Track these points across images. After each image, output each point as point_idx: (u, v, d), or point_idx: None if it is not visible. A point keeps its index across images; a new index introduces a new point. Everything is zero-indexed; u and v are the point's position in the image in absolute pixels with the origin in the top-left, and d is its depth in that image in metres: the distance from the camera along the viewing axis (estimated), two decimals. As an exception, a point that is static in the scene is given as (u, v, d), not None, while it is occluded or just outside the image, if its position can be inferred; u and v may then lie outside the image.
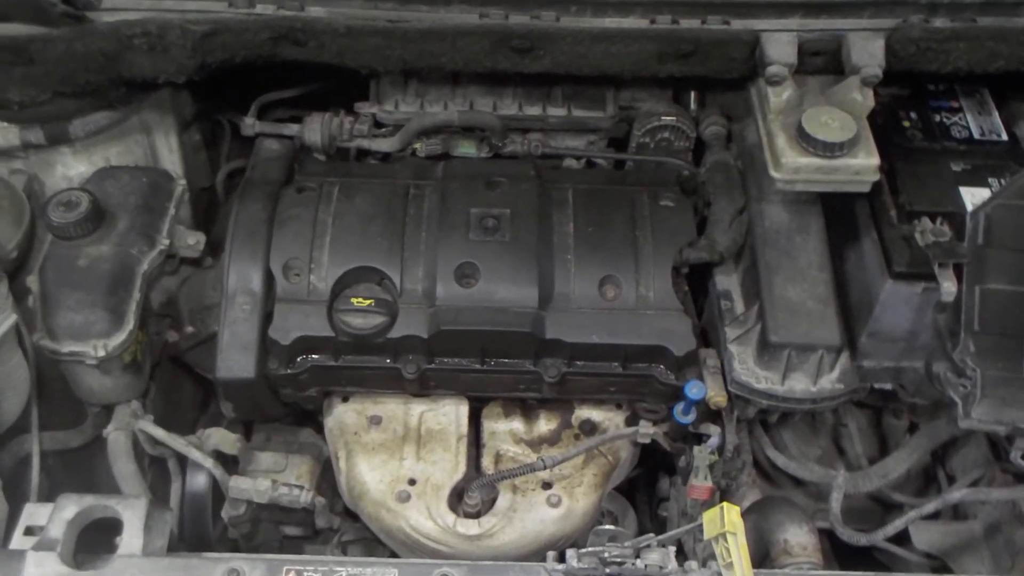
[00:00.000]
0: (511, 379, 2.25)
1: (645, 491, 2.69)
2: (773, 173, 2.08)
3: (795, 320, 2.14)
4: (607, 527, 1.72)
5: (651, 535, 1.70)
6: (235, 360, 2.15)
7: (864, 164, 2.06)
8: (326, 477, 2.40)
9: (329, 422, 2.35)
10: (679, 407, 2.17)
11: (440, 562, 1.76)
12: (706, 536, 1.73)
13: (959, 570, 2.40)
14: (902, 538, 2.38)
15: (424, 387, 2.26)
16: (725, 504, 1.69)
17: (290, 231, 2.24)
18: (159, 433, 2.11)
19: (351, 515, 2.39)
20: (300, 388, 2.26)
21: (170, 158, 2.59)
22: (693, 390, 2.09)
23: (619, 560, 1.72)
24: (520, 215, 2.24)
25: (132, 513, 1.76)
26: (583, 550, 1.74)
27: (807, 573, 1.88)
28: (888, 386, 2.32)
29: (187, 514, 2.21)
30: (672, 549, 1.75)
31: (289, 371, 2.20)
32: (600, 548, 1.72)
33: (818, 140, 2.04)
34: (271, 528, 2.29)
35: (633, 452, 2.38)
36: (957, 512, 2.53)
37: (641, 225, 2.26)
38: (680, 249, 2.25)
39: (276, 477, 2.24)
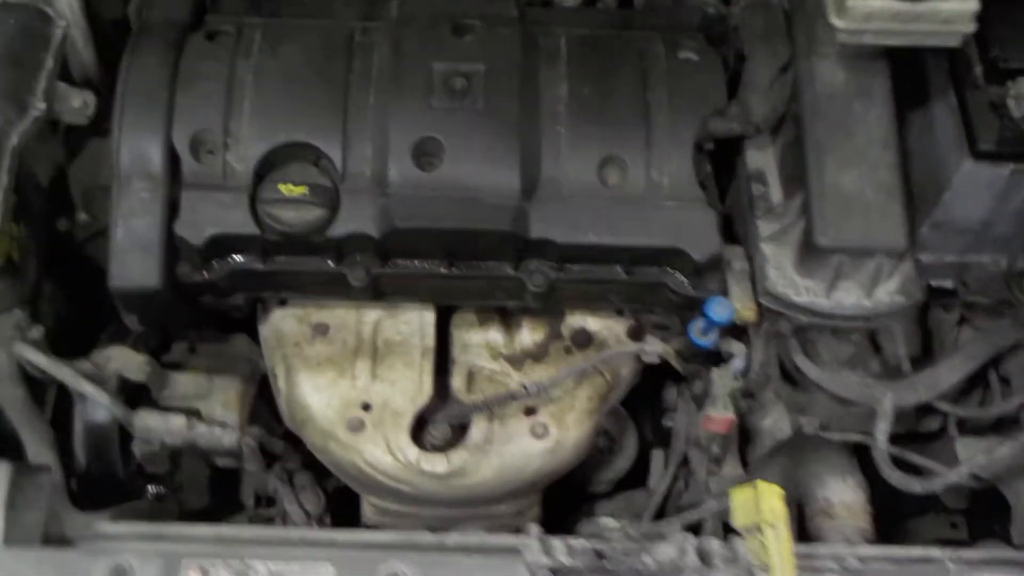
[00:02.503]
0: (485, 286, 1.79)
1: (647, 399, 2.26)
2: (834, 20, 1.56)
3: (850, 216, 1.66)
4: (607, 521, 1.30)
5: (665, 524, 1.28)
6: (133, 264, 1.68)
7: (957, 9, 1.54)
8: (264, 395, 1.97)
9: (264, 330, 1.91)
10: (696, 325, 1.71)
11: (386, 554, 1.34)
12: (736, 523, 1.32)
13: (1013, 498, 2.02)
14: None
15: (376, 295, 1.80)
16: (762, 484, 1.26)
17: (198, 93, 1.72)
18: (39, 359, 1.66)
19: (295, 439, 1.97)
20: (221, 295, 1.80)
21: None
22: (717, 310, 1.64)
23: (623, 553, 1.31)
24: (497, 73, 1.72)
25: (-13, 485, 1.33)
26: (575, 540, 1.33)
27: (860, 551, 1.47)
28: (948, 284, 1.88)
29: (89, 449, 1.79)
30: (689, 539, 1.33)
31: (205, 277, 1.73)
32: (598, 541, 1.30)
33: (900, -22, 1.50)
34: (196, 463, 1.88)
35: (635, 368, 1.95)
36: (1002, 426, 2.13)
37: (654, 86, 1.75)
38: (705, 119, 1.74)
39: (198, 404, 1.82)
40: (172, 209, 1.70)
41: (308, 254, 1.74)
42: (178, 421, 1.69)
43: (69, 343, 1.85)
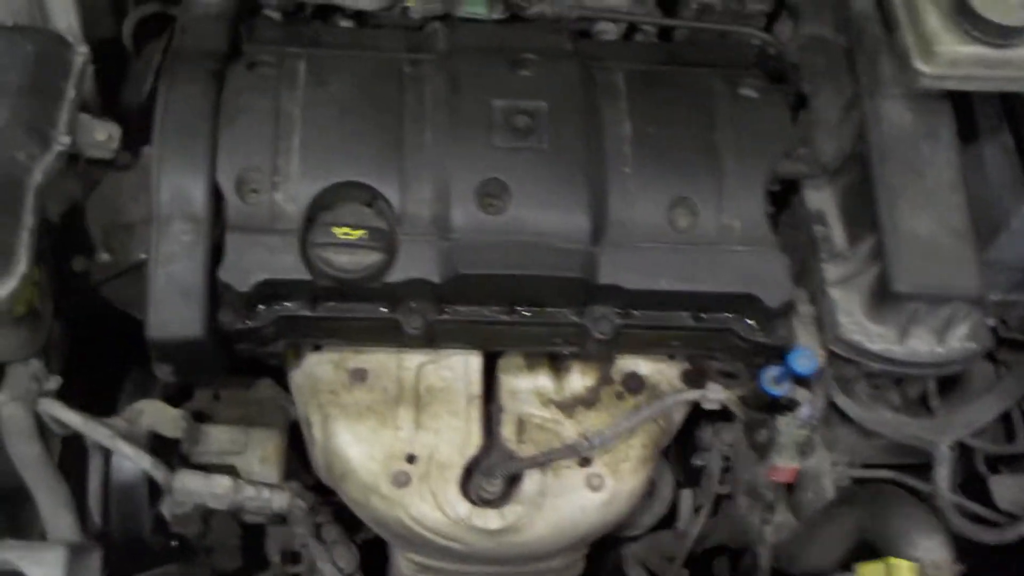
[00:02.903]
0: (545, 332, 1.70)
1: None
2: (920, 66, 1.51)
3: (927, 262, 1.62)
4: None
5: None
6: (174, 313, 1.55)
7: (1043, 55, 1.51)
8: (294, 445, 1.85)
9: (297, 376, 1.79)
10: (770, 373, 1.65)
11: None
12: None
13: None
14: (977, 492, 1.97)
15: (429, 342, 1.69)
16: (896, 563, 1.20)
17: (244, 128, 1.61)
18: (71, 418, 1.52)
19: (324, 488, 1.86)
20: (262, 343, 1.68)
21: (61, 5, 1.87)
22: (802, 362, 1.58)
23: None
24: (560, 110, 1.64)
25: (43, 572, 1.19)
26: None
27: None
28: (991, 322, 1.85)
29: (113, 506, 1.65)
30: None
31: (248, 324, 1.61)
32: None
33: (990, 22, 1.47)
34: (228, 522, 1.75)
35: (685, 412, 1.88)
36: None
37: (721, 125, 1.68)
38: (774, 160, 1.68)
39: (233, 460, 1.69)
40: (215, 253, 1.57)
41: (361, 300, 1.63)
42: (223, 483, 1.56)
43: (76, 391, 1.71)
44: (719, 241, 1.64)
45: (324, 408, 1.75)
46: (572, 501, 1.72)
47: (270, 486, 1.59)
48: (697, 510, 2.16)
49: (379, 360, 1.77)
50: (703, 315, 1.68)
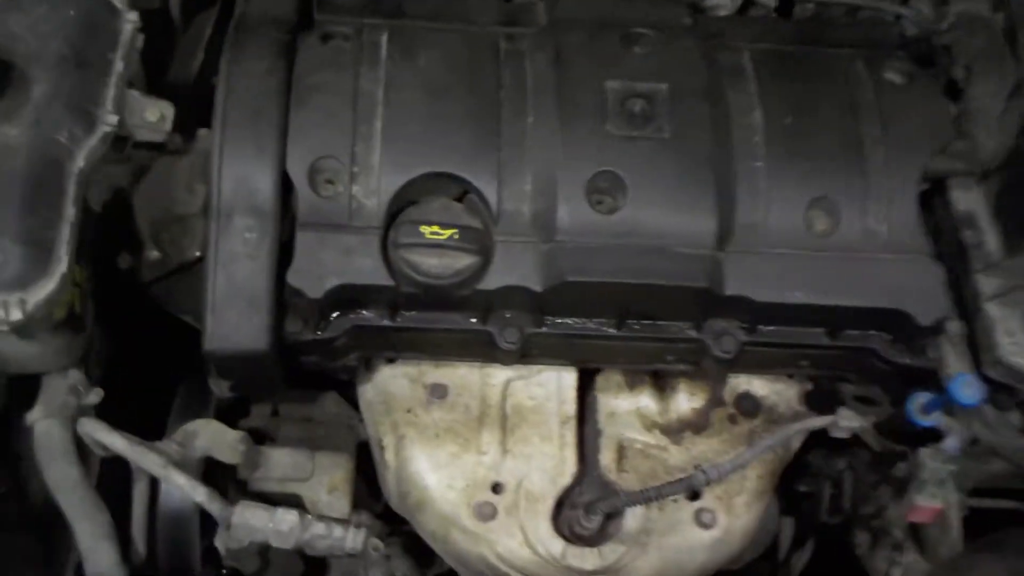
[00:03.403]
0: (656, 349, 1.48)
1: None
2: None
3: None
4: None
5: None
6: (234, 322, 1.34)
7: None
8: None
9: (368, 392, 1.58)
10: (918, 401, 1.42)
11: None
12: None
13: None
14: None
15: (523, 357, 1.48)
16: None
17: (318, 110, 1.39)
18: (115, 442, 1.32)
19: (392, 514, 1.65)
20: (333, 356, 1.47)
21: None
22: (967, 392, 1.35)
23: None
24: (683, 94, 1.42)
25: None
26: None
27: None
28: None
29: (160, 537, 1.46)
30: None
31: (319, 335, 1.40)
32: None
33: None
34: (289, 557, 1.54)
35: (803, 438, 1.66)
36: None
37: (866, 115, 1.46)
38: (928, 156, 1.45)
39: (298, 489, 1.48)
40: (284, 253, 1.36)
41: (448, 310, 1.42)
42: (289, 519, 1.35)
43: (119, 406, 1.52)
44: (863, 248, 1.41)
45: (399, 428, 1.55)
46: (679, 539, 1.52)
47: (342, 522, 1.38)
48: (800, 542, 1.94)
49: (461, 375, 1.56)
50: (840, 332, 1.45)
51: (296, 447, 1.51)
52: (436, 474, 1.52)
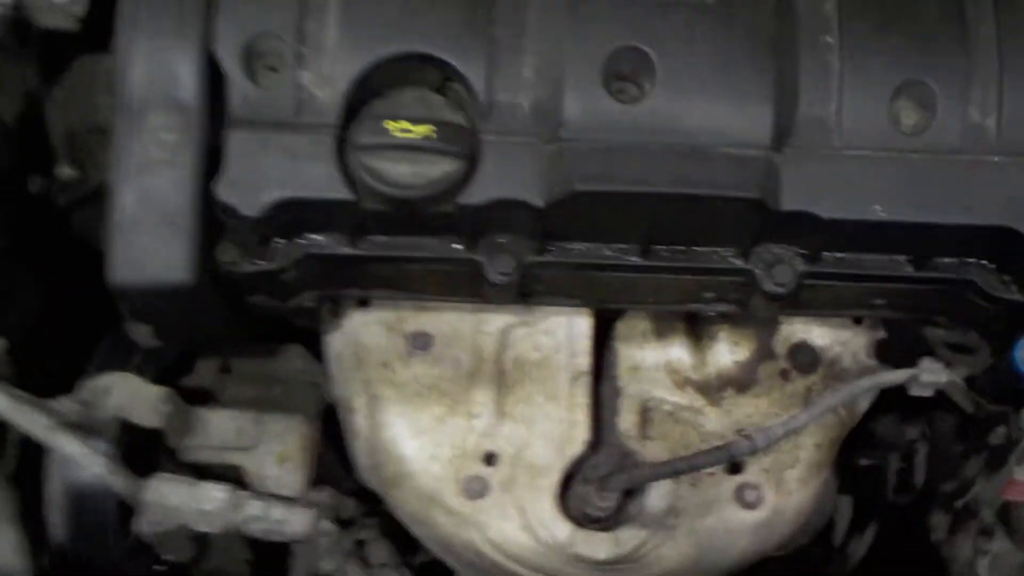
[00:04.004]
0: (693, 284, 1.17)
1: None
2: None
3: None
4: None
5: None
6: (148, 248, 1.04)
7: None
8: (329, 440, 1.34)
9: (336, 342, 1.29)
10: (1025, 349, 1.10)
11: None
12: None
13: None
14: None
15: (522, 294, 1.17)
16: None
17: (254, -25, 1.08)
18: (-2, 403, 1.01)
19: (368, 493, 1.35)
20: (283, 294, 1.17)
21: None
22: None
23: None
24: None
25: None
26: None
27: None
28: None
29: (73, 522, 1.16)
30: None
31: (262, 266, 1.10)
32: None
33: None
34: (234, 542, 1.24)
35: (872, 398, 1.35)
36: None
37: None
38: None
39: (240, 459, 1.18)
40: (212, 160, 1.06)
41: (426, 233, 1.11)
42: (215, 496, 1.05)
43: (44, 363, 1.22)
44: (964, 148, 1.09)
45: (371, 387, 1.25)
46: (716, 522, 1.23)
47: (286, 500, 1.07)
48: (860, 524, 1.63)
49: (449, 322, 1.27)
50: (929, 260, 1.13)
51: (242, 410, 1.20)
52: (416, 442, 1.24)
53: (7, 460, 1.19)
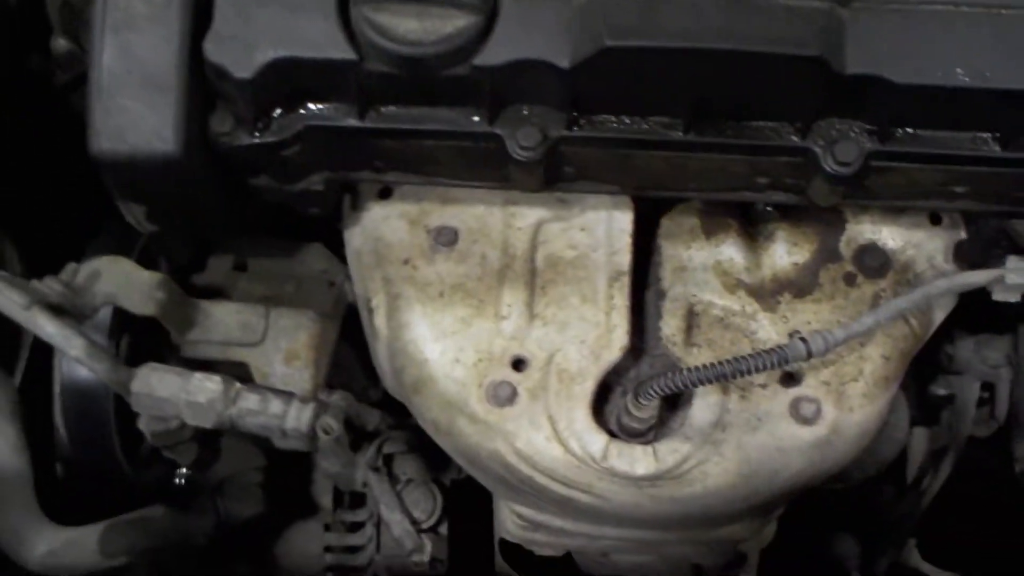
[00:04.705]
0: (742, 167, 1.03)
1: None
2: None
3: None
4: None
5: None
6: (132, 113, 0.95)
7: None
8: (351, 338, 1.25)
9: (356, 237, 1.19)
10: None
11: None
12: None
13: None
14: None
15: (551, 178, 1.04)
16: None
17: None
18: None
19: (398, 405, 1.25)
20: (288, 176, 1.06)
21: None
22: None
23: None
24: None
25: None
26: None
27: None
28: None
29: (71, 424, 1.08)
30: None
31: (259, 139, 0.99)
32: None
33: None
34: (244, 447, 1.16)
35: (950, 310, 1.20)
36: None
37: None
38: None
39: (245, 356, 1.09)
40: (200, 17, 0.95)
41: (440, 102, 0.99)
42: (208, 387, 0.96)
43: (47, 252, 1.15)
44: (1066, 2, 0.92)
45: (393, 285, 1.15)
46: (768, 438, 1.10)
47: (286, 395, 0.97)
48: (936, 458, 1.49)
49: (477, 215, 1.16)
50: (1021, 138, 0.97)
51: (251, 304, 1.11)
52: (439, 344, 1.13)
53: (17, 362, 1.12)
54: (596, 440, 1.09)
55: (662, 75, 0.93)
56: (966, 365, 1.44)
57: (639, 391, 1.07)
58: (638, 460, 1.09)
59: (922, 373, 1.49)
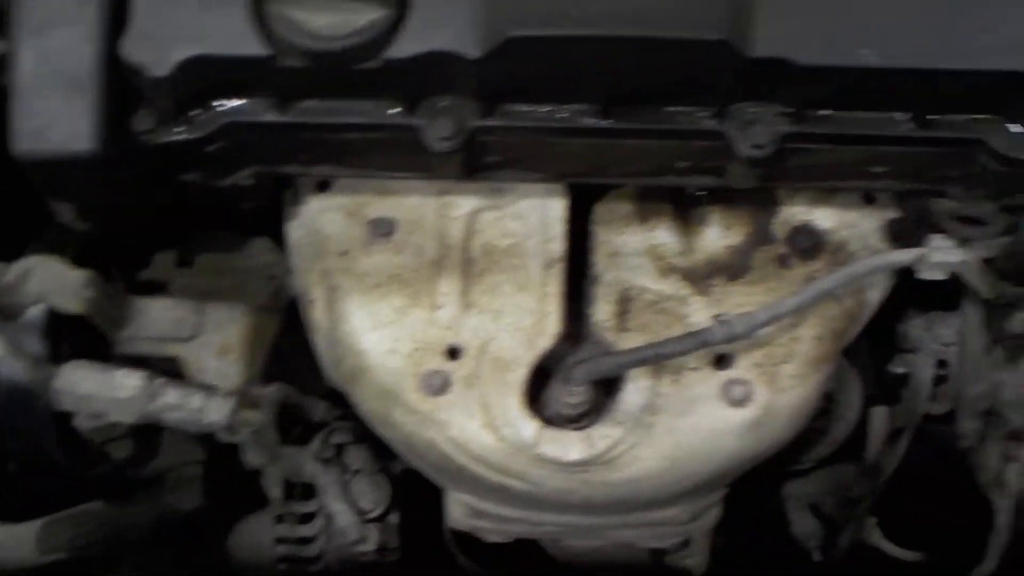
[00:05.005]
0: (661, 152, 1.04)
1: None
2: None
3: None
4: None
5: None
6: (50, 114, 0.96)
7: None
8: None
9: (295, 230, 1.20)
10: (1052, 215, 0.95)
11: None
12: None
13: None
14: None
15: (471, 167, 1.06)
16: None
17: None
18: None
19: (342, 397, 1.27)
20: (215, 171, 1.07)
21: None
22: None
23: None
24: None
25: None
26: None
27: None
28: None
29: (5, 425, 1.10)
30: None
31: (179, 135, 1.01)
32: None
33: None
34: (182, 442, 1.17)
35: (886, 288, 1.20)
36: None
37: None
38: None
39: (178, 350, 1.10)
40: (117, 17, 0.96)
41: (358, 95, 1.00)
42: (129, 383, 0.97)
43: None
44: (972, -21, 0.93)
45: (330, 277, 1.16)
46: (699, 420, 1.11)
47: (209, 389, 0.99)
48: (894, 436, 1.49)
49: (413, 206, 1.17)
50: (934, 117, 0.98)
51: (185, 299, 1.12)
52: (375, 335, 1.14)
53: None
54: (528, 427, 1.10)
55: (570, 63, 0.94)
56: (919, 343, 1.44)
57: (569, 378, 1.09)
58: (570, 446, 1.10)
59: (882, 351, 1.50)
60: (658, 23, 0.91)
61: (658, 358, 1.02)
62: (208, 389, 1.00)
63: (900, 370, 1.49)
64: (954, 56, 0.92)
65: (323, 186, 1.19)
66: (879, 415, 1.50)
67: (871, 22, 0.92)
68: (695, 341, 1.01)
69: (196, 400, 0.98)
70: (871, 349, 1.48)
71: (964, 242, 1.06)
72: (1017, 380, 1.12)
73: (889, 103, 0.97)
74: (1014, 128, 0.97)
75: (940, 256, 1.04)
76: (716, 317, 1.08)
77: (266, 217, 1.23)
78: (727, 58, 0.92)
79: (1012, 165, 0.97)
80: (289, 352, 1.27)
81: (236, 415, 0.99)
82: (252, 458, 1.12)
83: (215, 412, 0.98)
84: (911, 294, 1.31)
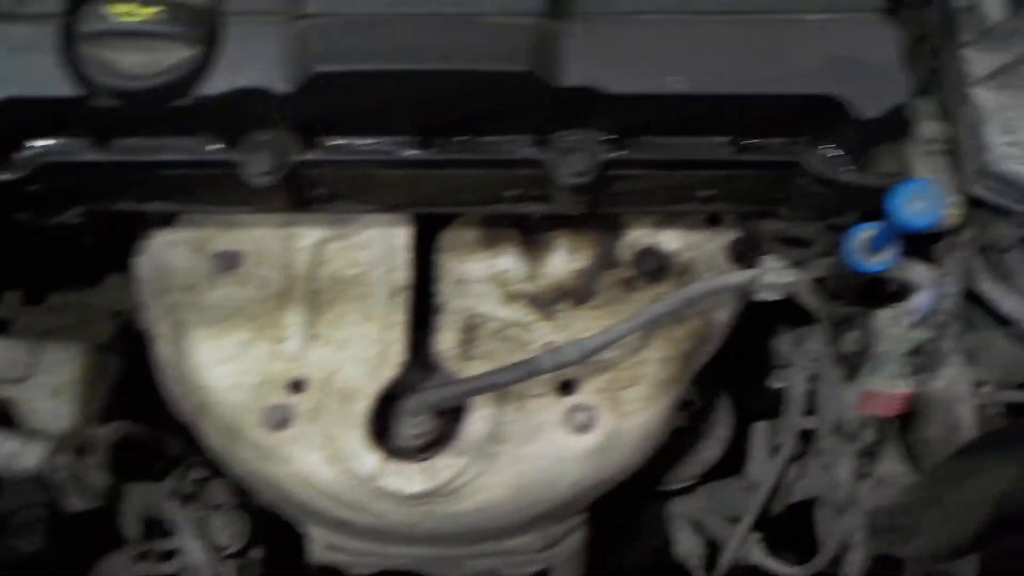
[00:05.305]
0: (487, 180, 1.04)
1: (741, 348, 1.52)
2: None
3: None
4: None
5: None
6: None
7: None
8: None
9: (143, 266, 1.19)
10: (860, 236, 0.96)
11: None
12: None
13: None
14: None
15: (300, 202, 1.05)
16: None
17: None
18: None
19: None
20: (42, 209, 1.06)
21: None
22: (914, 205, 0.87)
23: None
24: None
25: None
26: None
27: None
28: None
29: None
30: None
31: (1, 177, 0.99)
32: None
33: None
34: (18, 484, 1.15)
35: (735, 309, 1.21)
36: None
37: None
38: None
39: (11, 392, 1.09)
40: (-71, 58, 0.95)
41: (175, 132, 0.99)
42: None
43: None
44: (779, 6, 0.94)
45: (176, 312, 1.15)
46: (543, 448, 1.12)
47: (27, 433, 0.98)
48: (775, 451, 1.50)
49: (258, 238, 1.17)
50: (748, 141, 0.99)
51: (20, 340, 1.11)
52: (220, 369, 1.14)
53: None
54: (369, 459, 1.09)
55: (381, 97, 0.94)
56: (789, 359, 1.46)
57: (408, 409, 1.08)
58: (412, 478, 1.10)
59: (763, 368, 1.51)
60: (464, 56, 0.91)
61: (491, 387, 1.02)
62: (28, 433, 0.98)
63: (778, 386, 1.50)
64: (760, 82, 0.93)
65: (166, 219, 1.18)
66: (760, 431, 1.51)
67: (679, 50, 0.93)
68: (524, 370, 1.01)
69: (9, 446, 0.96)
70: (755, 366, 1.49)
71: (797, 263, 1.06)
72: (853, 397, 1.12)
73: (706, 128, 0.98)
74: (827, 150, 0.98)
75: (772, 277, 1.05)
76: (546, 345, 1.07)
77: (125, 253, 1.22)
78: (535, 88, 0.92)
79: (829, 186, 0.98)
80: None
81: (52, 459, 0.97)
82: (72, 503, 1.10)
83: (29, 457, 0.97)
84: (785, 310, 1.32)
